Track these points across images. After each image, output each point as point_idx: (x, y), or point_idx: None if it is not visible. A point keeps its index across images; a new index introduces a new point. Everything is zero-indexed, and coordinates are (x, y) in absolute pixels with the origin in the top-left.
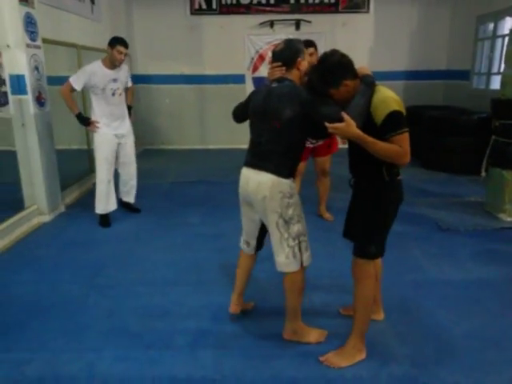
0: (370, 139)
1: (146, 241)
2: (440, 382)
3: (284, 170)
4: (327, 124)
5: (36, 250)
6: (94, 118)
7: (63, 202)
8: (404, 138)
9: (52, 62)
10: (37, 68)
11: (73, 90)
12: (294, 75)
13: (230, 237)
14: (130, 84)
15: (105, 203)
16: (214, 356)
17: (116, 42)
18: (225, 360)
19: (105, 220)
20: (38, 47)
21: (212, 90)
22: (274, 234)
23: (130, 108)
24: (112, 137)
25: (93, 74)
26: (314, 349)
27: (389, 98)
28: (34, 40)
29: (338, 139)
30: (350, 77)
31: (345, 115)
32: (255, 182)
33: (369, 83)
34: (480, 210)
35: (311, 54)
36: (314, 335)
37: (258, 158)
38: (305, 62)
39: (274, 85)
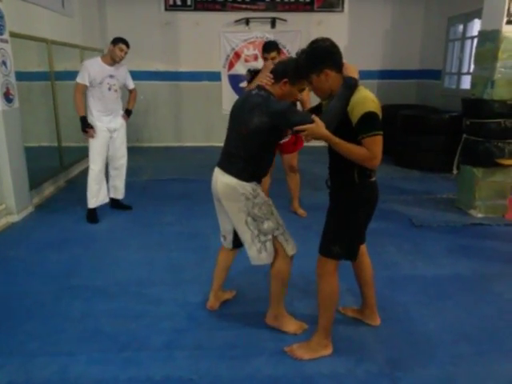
0: (336, 140)
1: (121, 240)
2: (414, 376)
3: (245, 174)
4: (303, 127)
5: (5, 251)
6: (87, 110)
7: (33, 202)
8: (374, 141)
9: (21, 57)
10: (4, 63)
11: (85, 87)
12: (275, 89)
13: (206, 235)
14: (131, 86)
15: (96, 197)
16: (190, 356)
17: (119, 40)
18: (202, 360)
19: (93, 215)
20: (5, 41)
21: (187, 87)
22: (245, 232)
23: (129, 112)
24: (104, 130)
25: (92, 67)
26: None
27: (367, 98)
28: (0, 34)
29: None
30: (333, 67)
31: (315, 117)
32: (222, 183)
33: (349, 86)
34: (452, 206)
35: (273, 58)
36: (293, 326)
37: (225, 159)
38: (295, 91)
39: (254, 91)
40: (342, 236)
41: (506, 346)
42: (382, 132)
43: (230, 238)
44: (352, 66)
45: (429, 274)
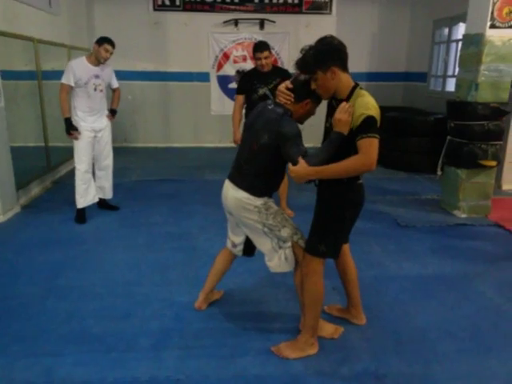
0: (327, 172)
1: (108, 241)
2: (398, 373)
3: (256, 190)
4: (289, 167)
5: None
6: (72, 110)
7: (19, 202)
8: (371, 143)
9: (7, 56)
10: None
11: (70, 88)
12: (295, 108)
13: (194, 236)
14: (116, 85)
15: (84, 197)
16: (177, 356)
17: (104, 40)
18: (189, 360)
19: (81, 216)
20: None
21: (176, 87)
22: (265, 243)
23: (114, 112)
24: (88, 130)
25: (77, 67)
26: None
27: (369, 104)
28: None
29: None
30: (340, 66)
31: (300, 160)
32: (232, 197)
33: (335, 138)
34: (436, 207)
35: (266, 58)
36: (330, 329)
37: (237, 173)
38: (310, 106)
39: (270, 106)
40: (328, 235)
41: (487, 344)
42: (378, 137)
43: (240, 247)
44: (344, 120)
45: (413, 274)
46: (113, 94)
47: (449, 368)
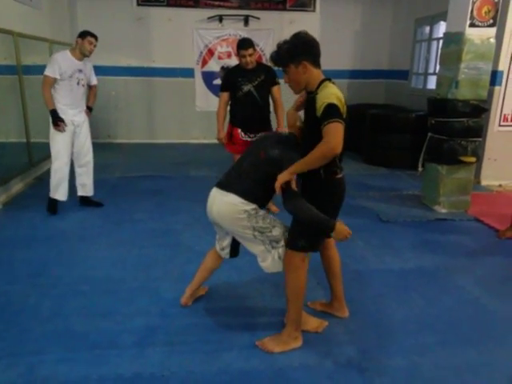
0: (297, 166)
1: (91, 238)
2: (380, 366)
3: (250, 195)
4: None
5: None
6: (53, 102)
7: (0, 199)
8: (334, 127)
9: None
10: None
11: (54, 80)
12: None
13: (179, 232)
14: (94, 82)
15: (58, 188)
16: (162, 353)
17: (87, 33)
18: (173, 356)
19: (53, 205)
20: None
21: (160, 83)
22: (257, 246)
23: (90, 109)
24: (68, 123)
25: (62, 60)
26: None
27: (332, 94)
28: None
29: None
30: (312, 61)
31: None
32: (222, 202)
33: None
34: (417, 202)
35: (250, 55)
36: (314, 323)
37: (231, 179)
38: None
39: (285, 134)
40: (307, 230)
41: (466, 335)
42: (342, 122)
43: (227, 250)
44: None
45: (395, 268)
46: (89, 90)
47: (430, 359)
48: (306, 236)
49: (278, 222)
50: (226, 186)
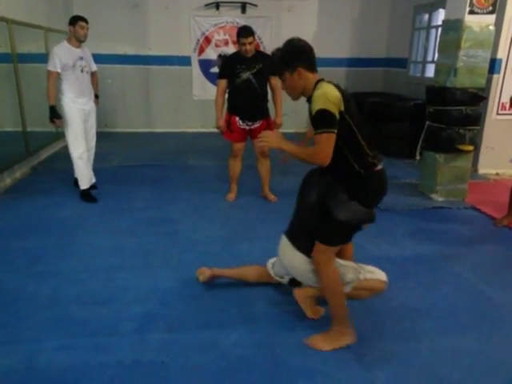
0: (291, 148)
1: (90, 226)
2: (378, 352)
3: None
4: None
5: None
6: (61, 94)
7: None
8: (321, 139)
9: None
10: None
11: (57, 74)
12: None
13: (176, 220)
14: (94, 68)
15: (88, 176)
16: (161, 340)
17: (77, 18)
18: (172, 343)
19: (89, 195)
20: None
21: (157, 71)
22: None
23: (97, 97)
24: (80, 111)
25: (61, 52)
26: (260, 326)
27: (321, 95)
28: None
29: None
30: (307, 66)
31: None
32: (290, 260)
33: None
34: (415, 191)
35: (250, 43)
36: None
37: (296, 228)
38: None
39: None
40: (345, 227)
41: (463, 322)
42: (330, 129)
43: (287, 278)
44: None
45: (393, 255)
46: (91, 78)
47: (427, 346)
48: (341, 232)
49: (348, 267)
50: (293, 239)
